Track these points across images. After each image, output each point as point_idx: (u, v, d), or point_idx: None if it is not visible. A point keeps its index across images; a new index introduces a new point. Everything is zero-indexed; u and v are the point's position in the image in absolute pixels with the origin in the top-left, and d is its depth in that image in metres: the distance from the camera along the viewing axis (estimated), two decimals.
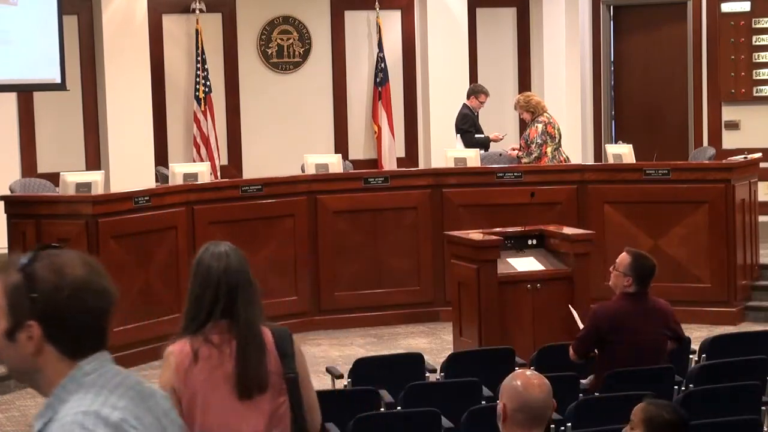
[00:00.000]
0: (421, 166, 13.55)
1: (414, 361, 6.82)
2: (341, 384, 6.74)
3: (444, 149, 11.50)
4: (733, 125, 13.50)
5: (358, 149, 13.79)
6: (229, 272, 3.64)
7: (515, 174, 10.50)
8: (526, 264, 8.39)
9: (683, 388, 6.18)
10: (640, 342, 6.16)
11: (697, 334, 8.81)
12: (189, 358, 3.60)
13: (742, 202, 10.16)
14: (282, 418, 3.66)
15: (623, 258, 6.28)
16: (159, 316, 9.15)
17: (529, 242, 8.58)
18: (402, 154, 13.86)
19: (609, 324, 6.18)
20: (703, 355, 6.80)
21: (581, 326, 6.54)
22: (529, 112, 11.04)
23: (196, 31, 12.96)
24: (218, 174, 12.73)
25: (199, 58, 12.90)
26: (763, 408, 5.88)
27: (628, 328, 6.15)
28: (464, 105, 12.12)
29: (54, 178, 10.35)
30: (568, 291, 8.20)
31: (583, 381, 6.31)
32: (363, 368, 6.60)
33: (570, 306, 7.12)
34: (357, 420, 5.41)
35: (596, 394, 6.06)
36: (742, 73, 13.37)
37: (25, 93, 11.99)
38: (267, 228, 10.12)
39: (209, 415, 3.60)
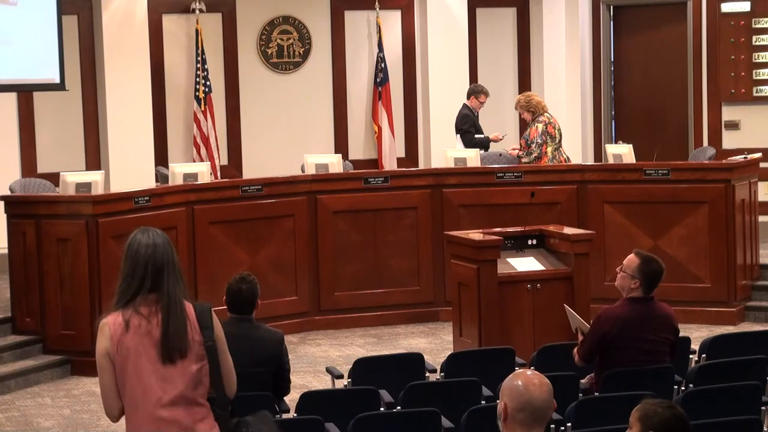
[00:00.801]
0: (421, 166, 13.56)
1: (414, 361, 6.82)
2: (341, 384, 6.74)
3: (444, 149, 11.49)
4: (733, 125, 13.50)
5: (358, 149, 13.80)
6: (156, 255, 4.10)
7: (515, 174, 10.50)
8: (526, 264, 8.39)
9: (683, 388, 6.18)
10: (644, 348, 6.10)
11: (697, 334, 8.82)
12: (121, 327, 4.06)
13: (742, 202, 10.16)
14: (202, 380, 4.10)
15: (631, 260, 6.17)
16: None
17: (529, 242, 8.57)
18: (402, 154, 13.87)
19: (614, 329, 6.09)
20: (703, 355, 6.79)
21: (582, 324, 6.49)
22: (530, 112, 11.04)
23: (196, 31, 12.97)
24: (218, 174, 12.74)
25: (199, 58, 12.91)
26: (763, 408, 5.88)
27: (633, 334, 6.08)
28: (464, 105, 12.12)
29: (54, 178, 10.35)
30: (568, 291, 8.20)
31: (582, 381, 6.30)
32: (363, 368, 6.59)
33: (566, 306, 7.10)
34: (357, 420, 5.41)
35: (596, 394, 6.05)
36: (742, 73, 13.38)
37: (25, 93, 11.99)
38: (267, 228, 10.12)
39: (139, 376, 4.05)
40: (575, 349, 6.35)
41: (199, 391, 4.09)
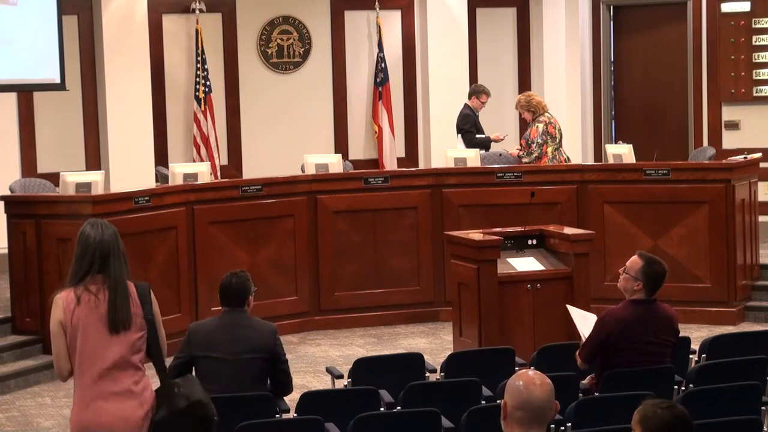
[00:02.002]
0: (421, 166, 13.56)
1: (414, 361, 6.82)
2: (341, 384, 6.74)
3: (444, 149, 11.49)
4: (733, 125, 13.50)
5: (358, 149, 13.80)
6: (103, 243, 4.77)
7: (515, 174, 10.50)
8: (526, 264, 8.38)
9: (683, 388, 6.18)
10: (645, 350, 6.09)
11: (697, 334, 8.82)
12: (73, 301, 4.73)
13: (742, 202, 10.16)
14: (141, 347, 4.80)
15: (635, 261, 6.14)
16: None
17: (529, 242, 8.57)
18: (402, 154, 13.87)
19: (616, 331, 6.08)
20: (703, 355, 6.79)
21: (581, 329, 6.48)
22: (530, 112, 11.04)
23: (196, 31, 12.97)
24: (218, 174, 12.74)
25: (199, 58, 12.91)
26: (763, 408, 5.88)
27: (635, 336, 6.07)
28: (465, 105, 12.11)
29: (54, 178, 10.35)
30: (568, 291, 8.20)
31: (583, 381, 6.29)
32: (363, 368, 6.59)
33: (568, 306, 7.09)
34: (357, 420, 5.41)
35: (596, 394, 6.05)
36: (742, 73, 13.38)
37: (25, 93, 11.99)
38: (267, 228, 10.12)
39: (87, 343, 4.72)
40: (578, 352, 6.34)
41: (138, 357, 4.78)
